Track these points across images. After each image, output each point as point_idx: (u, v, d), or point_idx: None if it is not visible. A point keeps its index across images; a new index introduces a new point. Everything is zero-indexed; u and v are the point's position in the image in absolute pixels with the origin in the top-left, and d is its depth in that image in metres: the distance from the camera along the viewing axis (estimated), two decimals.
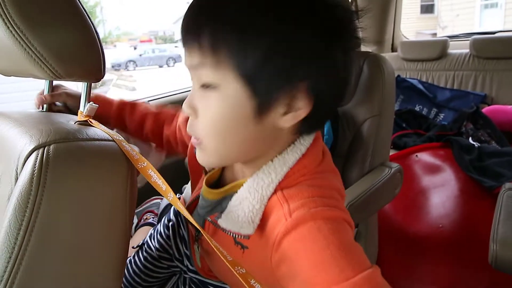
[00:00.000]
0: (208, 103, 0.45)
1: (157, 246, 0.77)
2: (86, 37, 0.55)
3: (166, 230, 0.79)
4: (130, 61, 16.15)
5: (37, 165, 0.45)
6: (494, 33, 2.55)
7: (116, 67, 15.59)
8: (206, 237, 0.45)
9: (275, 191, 0.47)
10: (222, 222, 0.48)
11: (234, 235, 0.48)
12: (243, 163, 0.51)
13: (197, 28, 0.43)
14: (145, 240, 0.79)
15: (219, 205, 0.52)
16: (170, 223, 0.80)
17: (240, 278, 0.41)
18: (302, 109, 0.44)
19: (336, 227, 0.43)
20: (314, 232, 0.42)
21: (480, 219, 1.31)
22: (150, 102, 1.44)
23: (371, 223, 1.14)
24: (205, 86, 0.44)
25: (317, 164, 0.50)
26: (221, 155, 0.47)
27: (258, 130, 0.45)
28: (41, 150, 0.46)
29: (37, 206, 0.44)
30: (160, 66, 16.31)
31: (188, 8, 0.45)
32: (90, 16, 0.57)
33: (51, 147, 0.47)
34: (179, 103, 0.65)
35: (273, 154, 0.48)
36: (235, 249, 0.51)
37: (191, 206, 0.62)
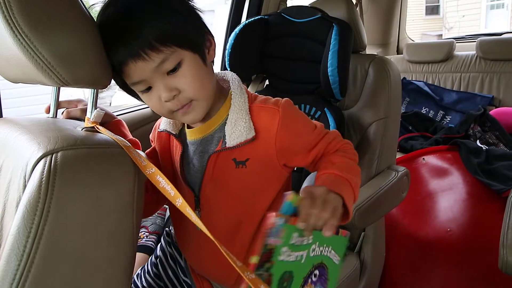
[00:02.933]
0: (182, 77, 0.60)
1: (145, 286, 0.81)
2: (93, 44, 0.56)
3: (154, 268, 0.82)
4: None
5: (45, 172, 0.45)
6: (500, 34, 2.53)
7: None
8: (216, 244, 0.45)
9: (250, 104, 0.65)
10: (230, 142, 0.63)
11: (234, 158, 0.64)
12: (212, 107, 0.66)
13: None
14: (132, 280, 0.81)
15: (215, 137, 0.66)
16: (158, 260, 0.83)
17: (249, 283, 0.46)
18: (212, 49, 0.66)
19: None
20: (296, 110, 0.67)
21: (489, 223, 1.29)
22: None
23: (378, 227, 1.13)
24: (171, 71, 0.59)
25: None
26: (207, 99, 0.63)
27: (209, 69, 0.65)
28: (49, 158, 0.46)
29: (45, 213, 0.44)
30: None
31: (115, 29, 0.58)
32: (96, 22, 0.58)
33: (59, 154, 0.47)
34: None
35: (215, 86, 0.66)
36: (236, 173, 0.64)
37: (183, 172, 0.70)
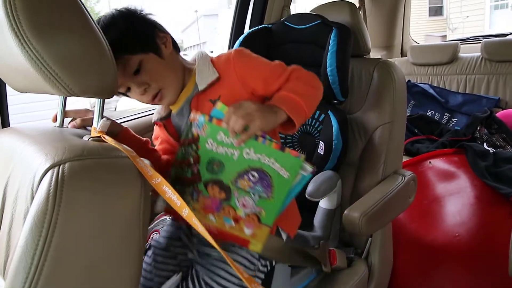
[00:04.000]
0: (145, 73, 0.75)
1: (165, 235, 0.93)
2: (100, 53, 0.56)
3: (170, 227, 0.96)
4: None
5: (52, 184, 0.45)
6: (505, 35, 2.51)
7: None
8: (221, 252, 0.45)
9: (211, 59, 0.81)
10: (200, 86, 0.77)
11: (210, 99, 0.77)
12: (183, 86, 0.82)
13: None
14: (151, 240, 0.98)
15: (192, 94, 0.80)
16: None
17: None
18: (167, 41, 0.80)
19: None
20: (248, 51, 0.81)
21: (498, 228, 1.27)
22: None
23: (385, 232, 1.12)
24: (137, 72, 0.74)
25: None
26: (172, 84, 0.79)
27: (168, 60, 0.79)
28: (56, 169, 0.46)
29: (52, 225, 0.44)
30: None
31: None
32: (103, 35, 0.58)
33: (66, 165, 0.47)
34: None
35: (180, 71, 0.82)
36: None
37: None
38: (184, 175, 0.75)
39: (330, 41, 1.06)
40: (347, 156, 1.14)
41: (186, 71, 0.82)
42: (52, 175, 0.46)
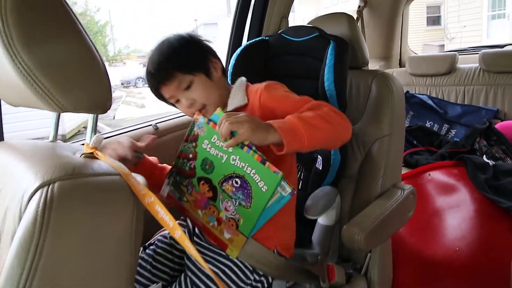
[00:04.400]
0: (194, 91, 0.87)
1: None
2: (93, 69, 0.55)
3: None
4: (139, 78, 16.35)
5: (40, 205, 0.44)
6: (503, 46, 2.52)
7: (126, 84, 15.80)
8: (207, 271, 0.43)
9: (246, 88, 0.93)
10: (230, 107, 0.89)
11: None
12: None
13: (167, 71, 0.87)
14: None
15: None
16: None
17: None
18: (217, 66, 0.92)
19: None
20: (278, 84, 0.91)
21: (498, 242, 1.26)
22: (160, 122, 1.44)
23: (384, 247, 1.10)
24: (187, 88, 0.87)
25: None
26: (215, 102, 0.89)
27: (216, 81, 0.91)
28: (45, 189, 0.45)
29: (39, 248, 0.42)
30: None
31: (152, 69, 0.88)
32: (96, 47, 0.57)
33: (56, 185, 0.46)
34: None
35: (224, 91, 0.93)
36: None
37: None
38: (183, 167, 0.83)
39: (328, 54, 1.05)
40: (345, 169, 1.12)
41: (229, 92, 0.93)
42: (41, 195, 0.45)
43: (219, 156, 0.77)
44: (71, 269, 0.45)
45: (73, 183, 0.47)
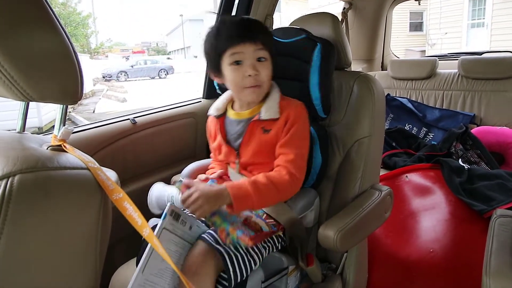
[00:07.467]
0: (264, 66, 0.94)
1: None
2: (63, 56, 0.52)
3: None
4: (121, 72, 16.05)
5: None
6: (481, 53, 2.59)
7: (107, 77, 15.48)
8: (178, 273, 0.42)
9: (281, 101, 0.99)
10: (263, 116, 0.96)
11: (263, 127, 0.96)
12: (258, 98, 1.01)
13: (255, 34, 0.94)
14: None
15: (254, 116, 0.98)
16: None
17: None
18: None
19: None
20: (306, 115, 0.99)
21: (472, 245, 1.28)
22: (138, 116, 1.40)
23: (360, 248, 1.11)
24: (260, 59, 0.94)
25: None
26: (266, 88, 0.98)
27: (271, 73, 0.98)
28: (4, 182, 0.42)
29: None
30: (152, 78, 16.25)
31: (241, 24, 0.96)
32: (67, 33, 0.54)
33: (16, 178, 0.43)
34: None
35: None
36: (262, 137, 0.96)
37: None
38: None
39: (314, 56, 1.05)
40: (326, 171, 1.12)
41: (266, 92, 1.00)
42: (0, 188, 0.42)
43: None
44: (30, 268, 0.42)
45: (36, 176, 0.45)
